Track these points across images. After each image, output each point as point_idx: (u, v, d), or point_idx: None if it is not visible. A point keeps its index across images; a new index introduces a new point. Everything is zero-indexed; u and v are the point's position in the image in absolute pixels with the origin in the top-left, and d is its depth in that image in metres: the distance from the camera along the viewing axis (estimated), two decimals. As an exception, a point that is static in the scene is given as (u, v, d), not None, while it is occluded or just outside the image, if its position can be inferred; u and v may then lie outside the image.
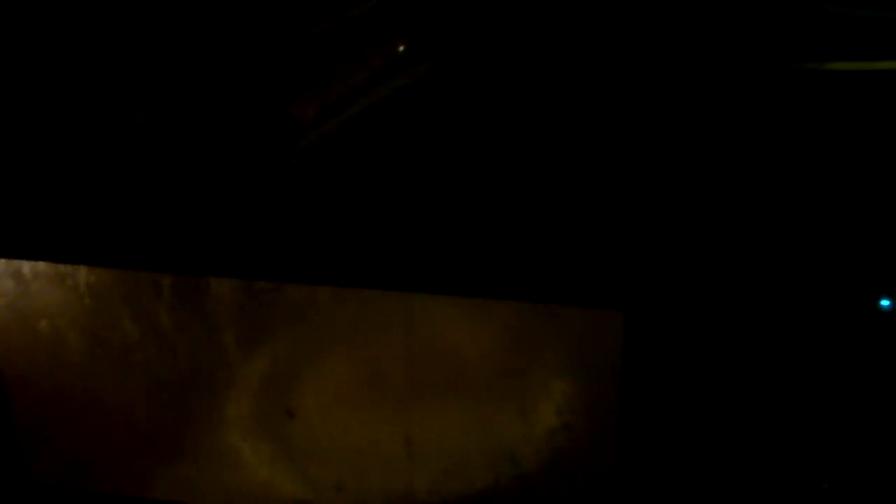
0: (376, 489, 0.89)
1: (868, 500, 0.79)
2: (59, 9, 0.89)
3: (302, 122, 0.81)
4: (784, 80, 0.85)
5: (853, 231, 0.74)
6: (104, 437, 0.92)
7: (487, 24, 0.91)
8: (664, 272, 0.75)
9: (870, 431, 0.78)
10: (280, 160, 0.80)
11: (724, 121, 0.83)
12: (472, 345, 0.83)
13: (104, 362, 0.88)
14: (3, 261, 0.84)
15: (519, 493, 0.86)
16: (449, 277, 0.76)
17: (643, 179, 0.79)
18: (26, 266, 0.85)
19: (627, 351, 0.77)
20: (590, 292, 0.75)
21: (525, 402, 0.83)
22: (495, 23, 0.91)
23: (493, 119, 0.85)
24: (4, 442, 0.92)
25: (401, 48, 0.86)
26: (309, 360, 0.86)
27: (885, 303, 0.74)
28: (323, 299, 0.82)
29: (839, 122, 0.82)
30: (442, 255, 0.76)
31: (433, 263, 0.76)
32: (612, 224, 0.76)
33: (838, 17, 0.88)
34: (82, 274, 0.84)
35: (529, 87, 0.87)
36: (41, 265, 0.84)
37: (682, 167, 0.79)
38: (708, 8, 0.90)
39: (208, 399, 0.89)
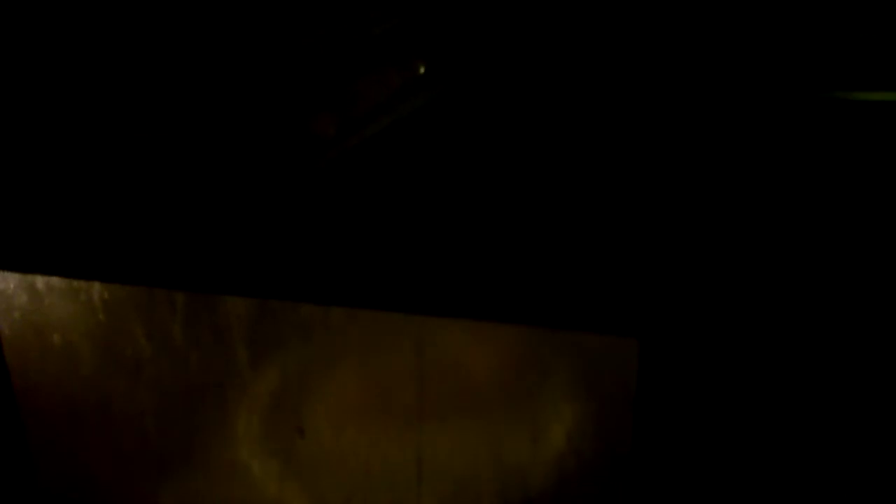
0: (384, 508, 0.89)
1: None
2: (77, 24, 0.89)
3: (323, 140, 0.80)
4: (812, 110, 0.85)
5: (873, 256, 0.74)
6: (113, 450, 0.92)
7: (508, 46, 0.91)
8: (680, 301, 0.75)
9: (890, 452, 0.78)
10: (300, 177, 0.80)
11: (746, 152, 0.83)
12: (485, 368, 0.83)
13: (115, 377, 0.88)
14: (17, 275, 0.84)
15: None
16: (465, 301, 0.76)
17: (660, 209, 0.78)
18: (40, 280, 0.85)
19: (642, 378, 0.77)
20: (606, 319, 0.75)
21: (537, 426, 0.83)
22: (516, 46, 0.91)
23: (513, 145, 0.85)
24: (16, 453, 0.92)
25: (421, 68, 0.85)
26: (320, 380, 0.86)
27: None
28: (336, 320, 0.82)
29: (866, 151, 0.82)
30: (459, 278, 0.76)
31: (450, 287, 0.76)
32: (629, 253, 0.76)
33: (867, 47, 0.88)
34: (96, 289, 0.84)
35: (549, 114, 0.87)
36: (55, 280, 0.84)
37: (701, 198, 0.79)
38: (736, 37, 0.90)
39: (219, 415, 0.88)
